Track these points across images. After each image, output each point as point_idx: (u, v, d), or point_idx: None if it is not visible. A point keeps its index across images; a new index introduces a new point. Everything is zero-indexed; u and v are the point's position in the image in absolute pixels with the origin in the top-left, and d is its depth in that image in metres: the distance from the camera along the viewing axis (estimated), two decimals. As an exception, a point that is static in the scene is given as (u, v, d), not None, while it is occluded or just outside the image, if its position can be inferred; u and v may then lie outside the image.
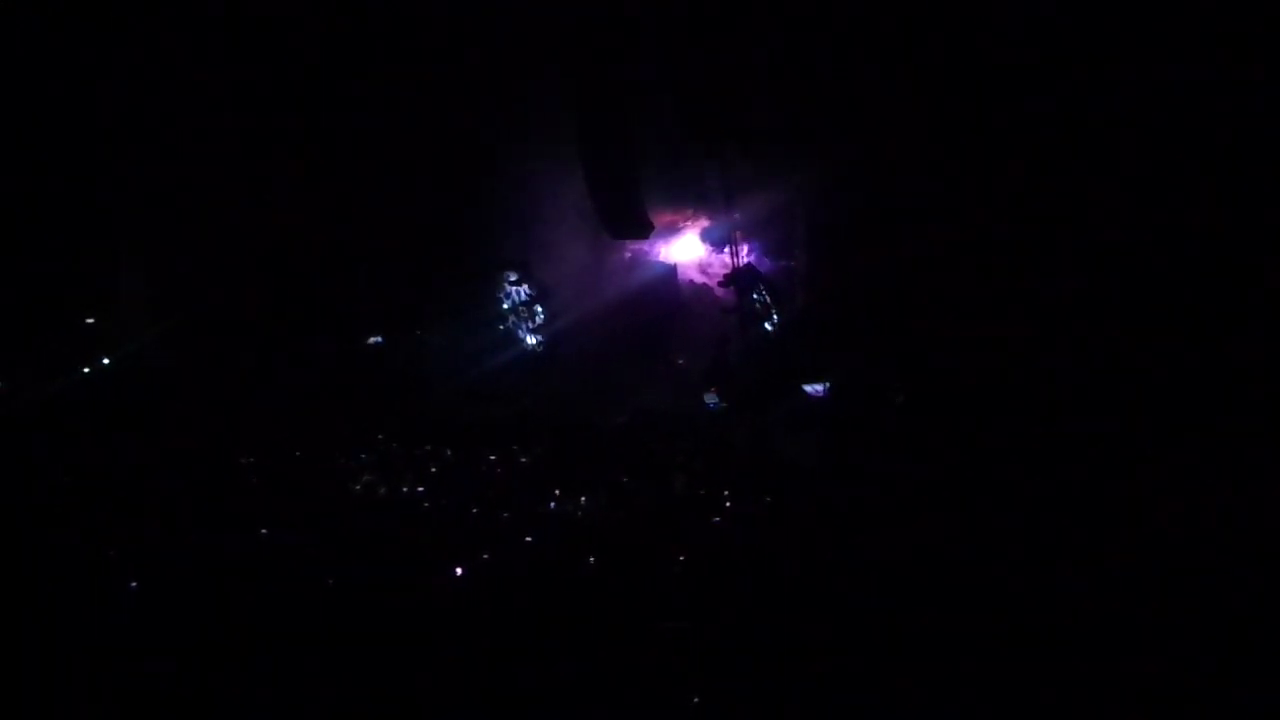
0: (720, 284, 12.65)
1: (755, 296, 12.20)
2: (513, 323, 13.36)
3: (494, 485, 9.06)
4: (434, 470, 9.52)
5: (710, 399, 11.97)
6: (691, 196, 13.05)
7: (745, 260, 12.60)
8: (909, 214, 11.00)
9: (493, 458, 9.97)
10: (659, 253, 13.67)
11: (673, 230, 13.52)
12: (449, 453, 10.16)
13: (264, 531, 7.21)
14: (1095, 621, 5.35)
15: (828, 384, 11.29)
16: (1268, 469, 7.24)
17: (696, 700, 4.68)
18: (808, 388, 11.36)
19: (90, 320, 12.99)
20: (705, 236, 13.33)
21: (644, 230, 12.50)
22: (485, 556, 6.66)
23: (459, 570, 6.33)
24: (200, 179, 12.55)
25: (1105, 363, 9.47)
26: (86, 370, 12.56)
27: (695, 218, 13.42)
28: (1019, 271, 10.21)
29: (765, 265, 12.79)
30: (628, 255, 13.70)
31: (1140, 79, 9.33)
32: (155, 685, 4.80)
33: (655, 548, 6.85)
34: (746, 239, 12.79)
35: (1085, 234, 9.90)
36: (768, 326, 12.18)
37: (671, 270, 13.66)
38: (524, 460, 9.98)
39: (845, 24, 10.69)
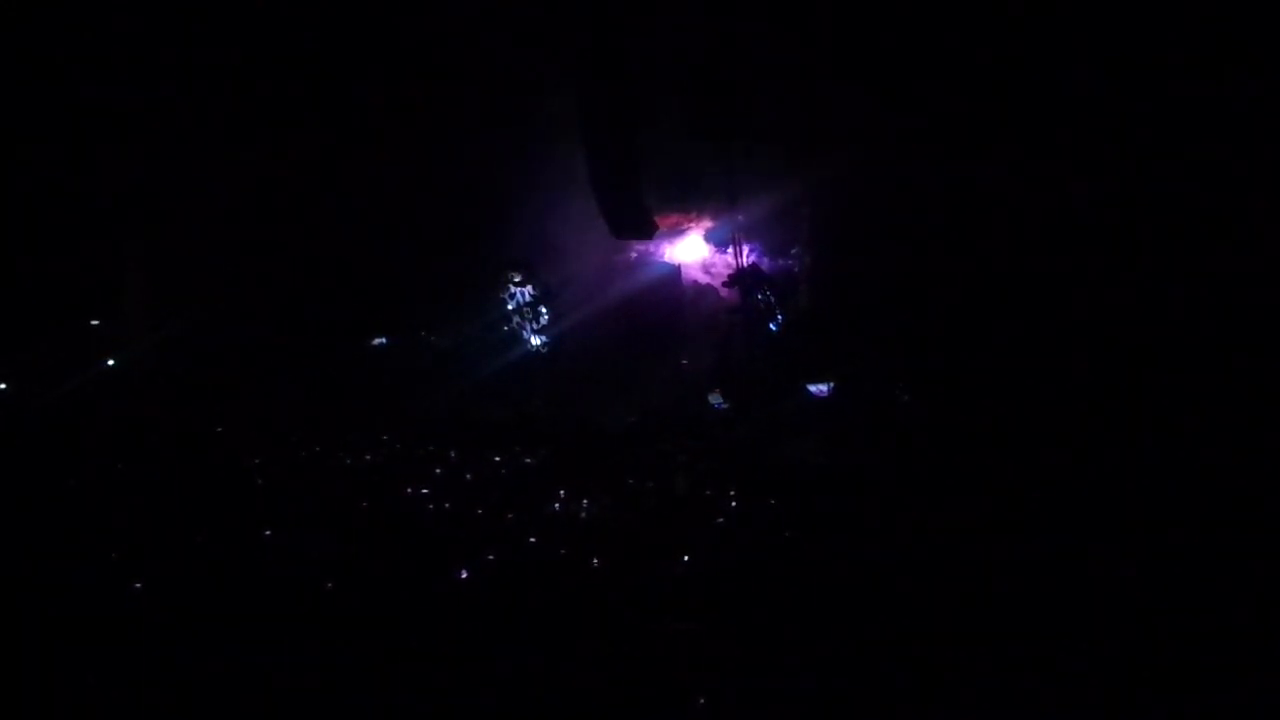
0: (724, 284, 12.62)
1: (759, 296, 12.20)
2: (517, 323, 13.36)
3: (498, 486, 9.05)
4: (438, 471, 9.52)
5: (715, 399, 11.96)
6: (696, 196, 13.02)
7: (749, 260, 12.58)
8: (913, 213, 11.00)
9: (497, 459, 9.97)
10: (663, 253, 13.66)
11: (677, 230, 13.50)
12: (453, 454, 10.16)
13: (268, 533, 7.22)
14: (1099, 617, 5.34)
15: (831, 384, 11.28)
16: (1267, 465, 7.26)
17: (702, 701, 4.67)
18: (812, 387, 11.36)
19: (95, 322, 13.03)
20: (709, 237, 13.31)
21: (648, 230, 12.49)
22: (490, 558, 6.66)
23: (464, 572, 6.33)
24: (204, 181, 12.59)
25: (1110, 358, 9.47)
26: (90, 372, 12.59)
27: (699, 218, 13.40)
28: (1023, 268, 10.21)
29: (768, 265, 12.78)
30: (632, 255, 13.69)
31: (1140, 77, 9.33)
32: (156, 686, 4.81)
33: (659, 549, 6.84)
34: (749, 239, 12.77)
35: (1089, 232, 9.91)
36: (772, 327, 12.17)
37: (675, 270, 13.65)
38: (528, 461, 9.97)
39: (851, 23, 10.69)
